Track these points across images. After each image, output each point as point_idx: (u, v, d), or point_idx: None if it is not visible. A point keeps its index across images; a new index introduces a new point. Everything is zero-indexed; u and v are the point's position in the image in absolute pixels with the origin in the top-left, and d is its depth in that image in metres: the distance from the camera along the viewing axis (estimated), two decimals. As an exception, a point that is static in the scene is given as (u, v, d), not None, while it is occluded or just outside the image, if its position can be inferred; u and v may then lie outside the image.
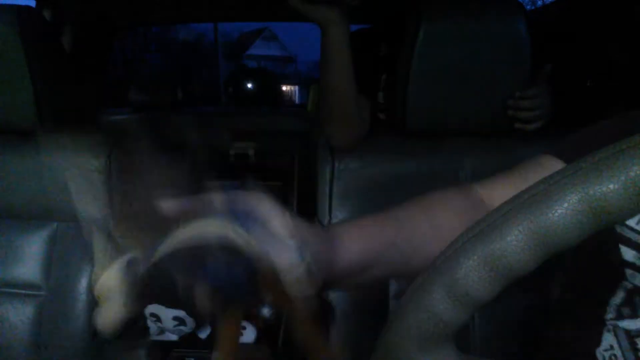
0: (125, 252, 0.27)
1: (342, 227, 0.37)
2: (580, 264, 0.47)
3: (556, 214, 0.20)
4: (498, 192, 0.43)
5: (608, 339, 0.41)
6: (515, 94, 0.74)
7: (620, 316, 0.41)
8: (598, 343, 0.41)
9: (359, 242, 0.36)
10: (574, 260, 0.48)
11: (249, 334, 0.68)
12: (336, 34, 0.71)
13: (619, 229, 0.40)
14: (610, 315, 0.41)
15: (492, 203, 0.42)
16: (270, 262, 0.28)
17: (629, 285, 0.40)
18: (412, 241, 0.39)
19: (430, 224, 0.40)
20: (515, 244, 0.21)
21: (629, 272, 0.40)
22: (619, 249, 0.40)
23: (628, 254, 0.40)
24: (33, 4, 1.26)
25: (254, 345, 0.66)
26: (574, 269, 0.49)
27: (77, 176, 0.82)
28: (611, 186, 0.19)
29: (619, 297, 0.41)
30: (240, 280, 0.27)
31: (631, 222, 0.39)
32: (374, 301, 0.76)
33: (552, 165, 0.42)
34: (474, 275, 0.22)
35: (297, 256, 0.28)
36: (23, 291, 0.79)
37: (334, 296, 0.77)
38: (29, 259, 0.80)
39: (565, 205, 0.20)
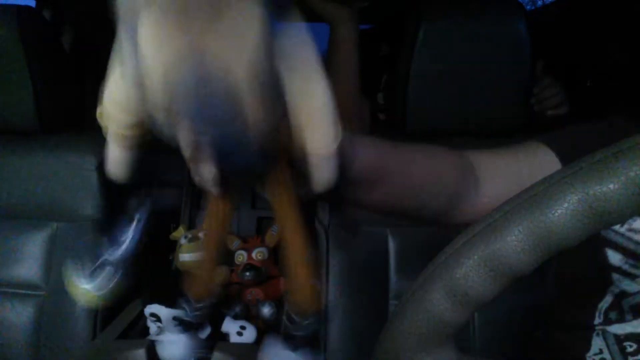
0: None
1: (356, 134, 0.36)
2: (567, 269, 0.48)
3: (556, 214, 0.20)
4: (488, 162, 0.44)
5: (597, 343, 0.41)
6: (534, 90, 0.79)
7: (608, 321, 0.41)
8: (588, 347, 0.41)
9: (373, 151, 0.35)
10: (562, 264, 0.49)
11: (249, 334, 0.68)
12: (345, 33, 0.71)
13: (603, 233, 0.40)
14: (598, 320, 0.41)
15: (480, 171, 0.43)
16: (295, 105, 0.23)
17: (616, 290, 0.40)
18: (412, 178, 0.39)
19: (429, 170, 0.40)
20: (516, 244, 0.21)
21: (615, 276, 0.40)
22: (605, 253, 0.40)
23: (614, 257, 0.40)
24: (33, 4, 1.25)
25: (254, 345, 0.66)
26: (562, 274, 0.49)
27: (77, 176, 0.82)
28: (611, 186, 0.19)
29: (606, 301, 0.41)
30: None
31: (616, 226, 0.39)
32: (374, 301, 0.76)
33: (541, 151, 0.43)
34: (474, 275, 0.22)
35: (328, 101, 0.23)
36: (23, 291, 0.79)
37: (333, 296, 0.77)
38: (29, 259, 0.80)
39: (565, 205, 0.20)
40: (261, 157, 0.22)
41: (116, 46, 0.21)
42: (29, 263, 0.80)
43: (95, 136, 0.85)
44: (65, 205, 0.82)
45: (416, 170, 0.39)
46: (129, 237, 0.30)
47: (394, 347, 0.25)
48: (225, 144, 0.21)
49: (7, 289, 0.79)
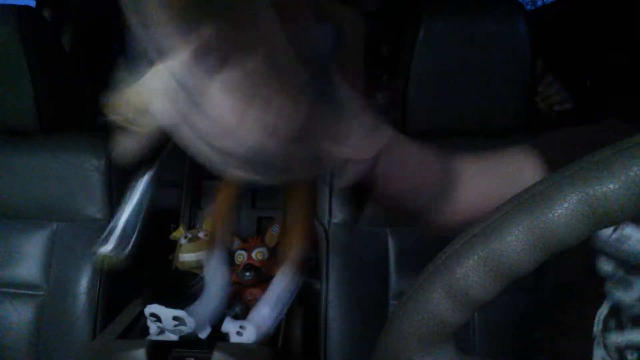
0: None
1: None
2: (563, 276, 0.47)
3: (556, 214, 0.20)
4: (471, 164, 0.44)
5: (599, 352, 0.41)
6: (538, 88, 0.82)
7: (607, 329, 0.40)
8: (589, 356, 0.41)
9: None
10: (558, 271, 0.48)
11: (249, 334, 0.68)
12: (352, 36, 0.71)
13: (594, 241, 0.39)
14: (597, 328, 0.41)
15: (463, 171, 0.43)
16: None
17: (611, 300, 0.40)
18: (387, 175, 0.39)
19: (406, 170, 0.40)
20: (515, 244, 0.21)
21: (608, 285, 0.40)
22: (597, 262, 0.40)
23: (606, 266, 0.39)
24: (33, 4, 1.26)
25: (254, 345, 0.66)
26: (559, 281, 0.49)
27: (77, 176, 0.82)
28: (611, 186, 0.19)
29: (604, 309, 0.41)
30: None
31: (607, 233, 0.39)
32: (374, 301, 0.76)
33: (525, 155, 0.43)
34: (474, 275, 0.22)
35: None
36: (23, 291, 0.79)
37: (333, 296, 0.77)
38: (29, 259, 0.80)
39: (566, 205, 0.20)
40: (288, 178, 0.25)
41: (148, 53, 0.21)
42: (29, 263, 0.80)
43: (95, 136, 0.85)
44: (65, 205, 0.82)
45: (404, 155, 0.40)
46: (134, 200, 0.30)
47: (394, 347, 0.25)
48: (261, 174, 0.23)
49: (7, 289, 0.79)
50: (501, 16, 0.72)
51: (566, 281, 0.47)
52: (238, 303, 0.81)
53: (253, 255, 0.91)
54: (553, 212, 0.20)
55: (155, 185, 0.30)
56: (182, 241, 0.95)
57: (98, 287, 0.79)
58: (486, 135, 0.79)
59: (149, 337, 0.67)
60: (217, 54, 0.19)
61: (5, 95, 0.77)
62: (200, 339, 0.66)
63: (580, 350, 0.42)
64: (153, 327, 0.68)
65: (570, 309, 0.45)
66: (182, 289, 0.63)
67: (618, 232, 0.38)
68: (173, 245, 0.99)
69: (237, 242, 0.98)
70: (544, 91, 0.85)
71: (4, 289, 0.79)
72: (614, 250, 0.38)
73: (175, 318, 0.61)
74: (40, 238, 0.81)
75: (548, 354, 0.48)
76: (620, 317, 0.40)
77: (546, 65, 0.86)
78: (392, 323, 0.26)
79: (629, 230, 0.38)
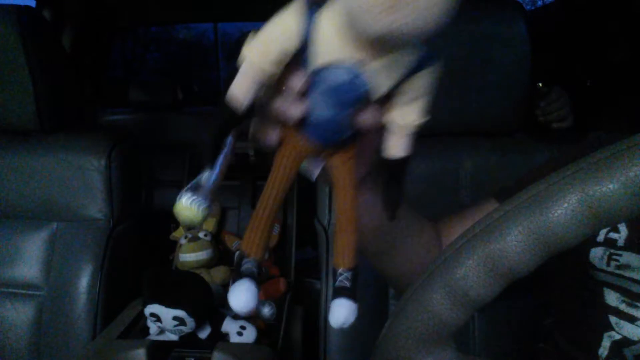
0: None
1: None
2: (565, 307, 0.47)
3: (556, 214, 0.20)
4: (451, 230, 0.46)
5: None
6: (540, 103, 0.84)
7: None
8: None
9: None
10: (560, 300, 0.48)
11: (249, 334, 0.68)
12: None
13: (594, 273, 0.39)
14: None
15: (446, 239, 0.45)
16: None
17: (617, 336, 0.38)
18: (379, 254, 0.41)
19: (400, 251, 0.42)
20: (515, 244, 0.21)
21: (613, 320, 0.38)
22: (602, 292, 0.39)
23: (610, 296, 0.38)
24: (33, 4, 1.26)
25: (254, 345, 0.66)
26: (561, 317, 0.48)
27: (78, 176, 0.82)
28: (611, 186, 0.19)
29: (604, 348, 0.39)
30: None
31: (603, 264, 0.38)
32: (374, 301, 0.76)
33: (493, 207, 0.45)
34: (474, 275, 0.22)
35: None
36: (23, 291, 0.79)
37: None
38: (29, 259, 0.80)
39: (565, 205, 0.20)
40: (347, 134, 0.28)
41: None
42: (29, 263, 0.80)
43: (95, 136, 0.85)
44: (65, 205, 0.82)
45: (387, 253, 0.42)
46: (217, 165, 0.31)
47: (394, 347, 0.26)
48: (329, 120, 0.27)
49: (7, 289, 0.79)
50: (501, 16, 0.72)
51: (568, 323, 0.46)
52: (238, 303, 0.81)
53: (253, 255, 0.91)
54: (553, 212, 0.20)
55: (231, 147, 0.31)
56: (182, 241, 0.95)
57: (98, 287, 0.79)
58: (487, 136, 0.79)
59: (149, 337, 0.67)
60: None
61: (5, 95, 0.77)
62: (200, 339, 0.66)
63: None
64: (153, 327, 0.68)
65: (573, 348, 0.44)
66: (182, 289, 0.63)
67: (615, 262, 0.37)
68: (173, 245, 0.99)
69: (237, 242, 0.98)
70: (548, 106, 0.85)
71: (4, 289, 0.79)
72: (615, 280, 0.37)
73: (175, 318, 0.61)
74: (40, 238, 0.81)
75: None
76: (624, 358, 0.38)
77: (540, 94, 0.87)
78: (392, 323, 0.26)
79: (625, 258, 0.37)
